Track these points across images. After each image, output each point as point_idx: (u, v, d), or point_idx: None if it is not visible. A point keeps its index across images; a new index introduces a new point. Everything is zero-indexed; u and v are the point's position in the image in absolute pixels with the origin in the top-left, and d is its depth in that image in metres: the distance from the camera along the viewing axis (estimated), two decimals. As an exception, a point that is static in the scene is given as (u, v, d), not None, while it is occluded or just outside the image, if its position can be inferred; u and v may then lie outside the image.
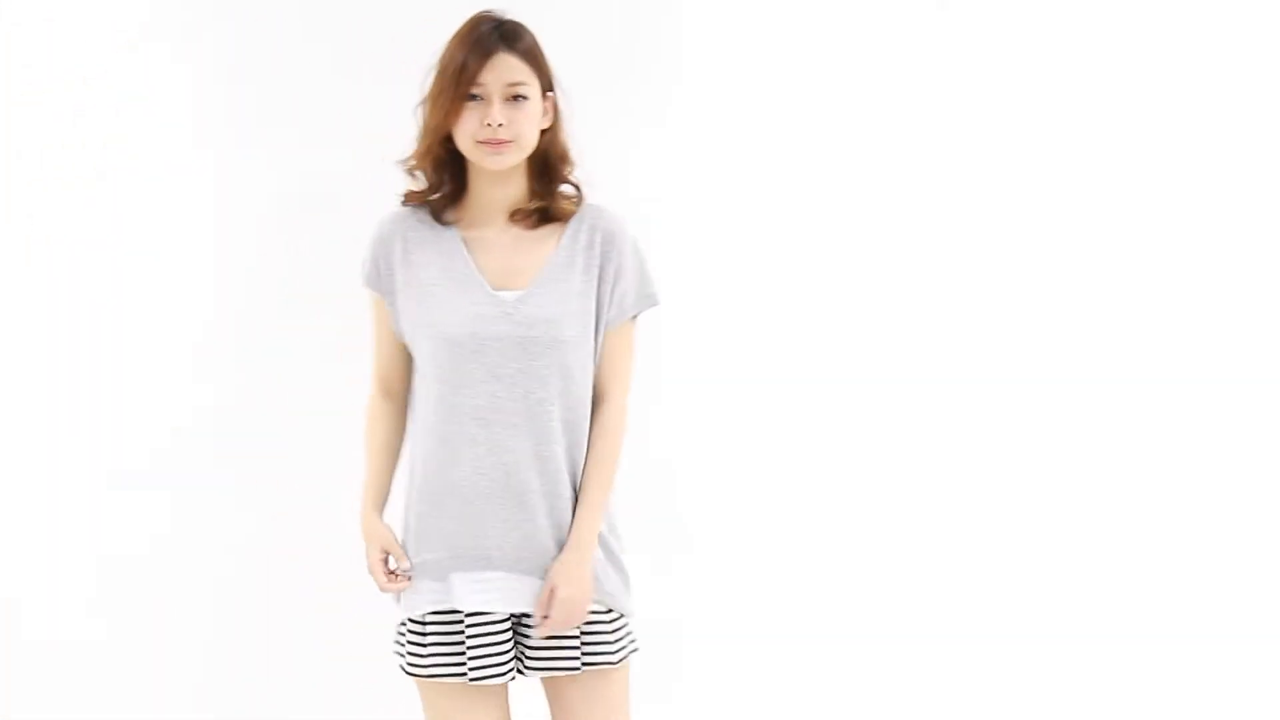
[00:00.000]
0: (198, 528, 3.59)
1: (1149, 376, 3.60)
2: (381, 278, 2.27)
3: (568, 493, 2.20)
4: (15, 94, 3.58)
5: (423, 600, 2.21)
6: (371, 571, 2.26)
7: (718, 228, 3.61)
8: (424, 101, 2.22)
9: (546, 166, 2.24)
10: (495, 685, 2.22)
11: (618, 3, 3.59)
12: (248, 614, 3.59)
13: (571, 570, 2.15)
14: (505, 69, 2.15)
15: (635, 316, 2.26)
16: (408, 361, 2.29)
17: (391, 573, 2.25)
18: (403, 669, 2.26)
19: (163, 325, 3.61)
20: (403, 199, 2.29)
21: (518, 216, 2.23)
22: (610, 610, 2.21)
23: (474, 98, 2.16)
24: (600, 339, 2.23)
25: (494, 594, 2.17)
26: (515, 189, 2.23)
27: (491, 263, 2.21)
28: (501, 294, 2.18)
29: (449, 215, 2.26)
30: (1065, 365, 3.62)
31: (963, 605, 3.59)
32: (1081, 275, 3.62)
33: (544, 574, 2.18)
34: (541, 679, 2.25)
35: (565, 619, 2.15)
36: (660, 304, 2.28)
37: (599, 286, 2.20)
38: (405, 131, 3.56)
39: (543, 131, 2.22)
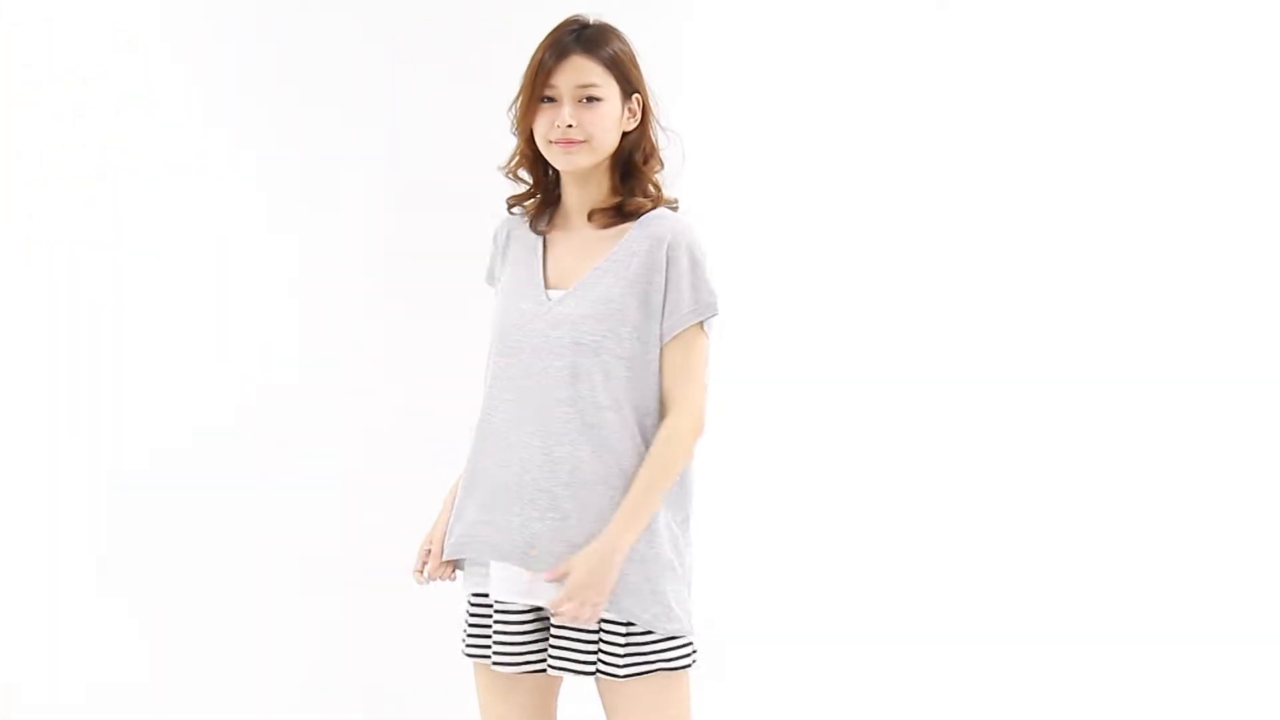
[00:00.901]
0: (196, 528, 3.60)
1: (1149, 376, 3.60)
2: (494, 278, 2.34)
3: (596, 499, 2.17)
4: (15, 94, 3.58)
5: (469, 581, 2.28)
6: (417, 553, 2.33)
7: (717, 229, 3.60)
8: (514, 104, 2.25)
9: (630, 168, 2.25)
10: (520, 675, 2.24)
11: (618, 5, 3.59)
12: (247, 614, 3.60)
13: (588, 560, 2.13)
14: (577, 71, 2.17)
15: (702, 324, 2.22)
16: None
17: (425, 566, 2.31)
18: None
19: (163, 326, 3.61)
20: (507, 204, 2.33)
21: (595, 216, 2.25)
22: (631, 624, 2.17)
23: (549, 100, 2.19)
24: (659, 348, 2.21)
25: (516, 584, 2.19)
26: (597, 190, 2.25)
27: (557, 262, 2.25)
28: (550, 293, 2.22)
29: (544, 218, 2.29)
30: (1066, 365, 3.62)
31: (985, 606, 3.59)
32: (1082, 275, 3.62)
33: (517, 564, 2.18)
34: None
35: (573, 609, 2.13)
36: (720, 313, 2.23)
37: (651, 294, 2.19)
38: (406, 130, 3.60)
39: (627, 133, 2.23)
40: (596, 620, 2.14)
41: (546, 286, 2.23)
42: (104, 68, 3.59)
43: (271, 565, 3.59)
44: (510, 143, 2.28)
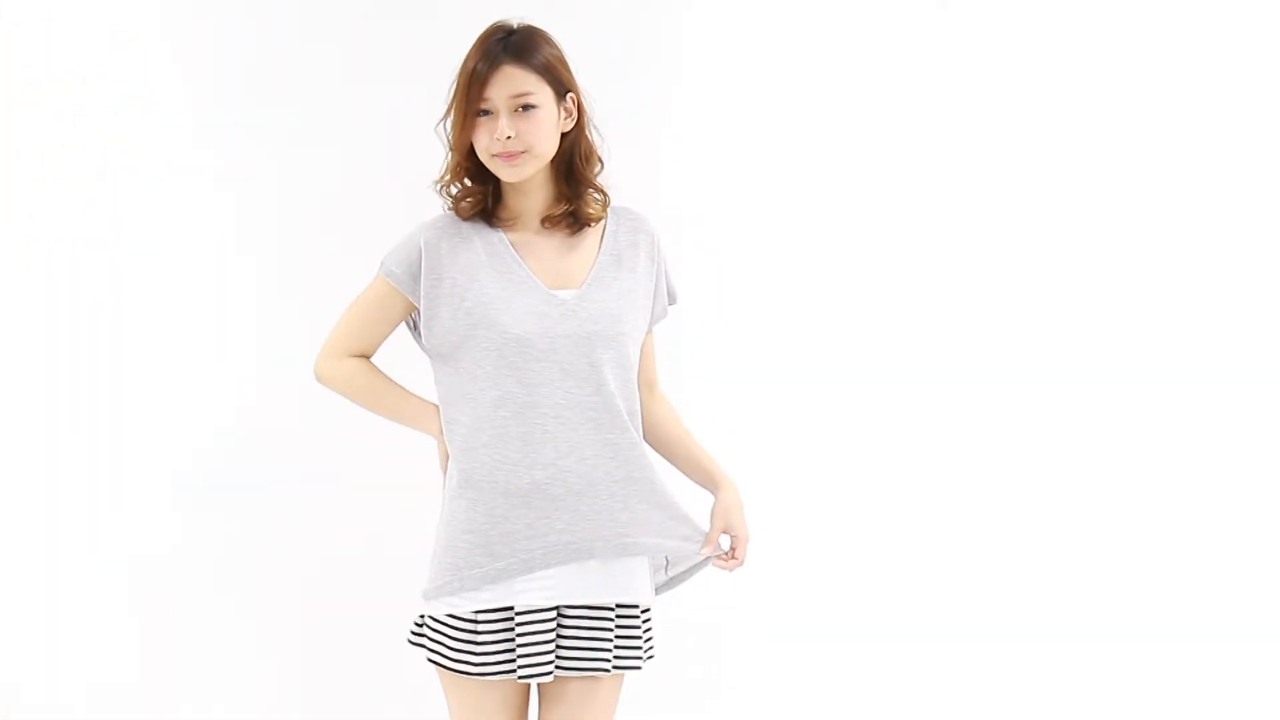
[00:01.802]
0: (197, 527, 3.59)
1: (1149, 376, 3.60)
2: (419, 281, 2.27)
3: (652, 476, 2.26)
4: (15, 94, 3.57)
5: (480, 598, 2.20)
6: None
7: (716, 229, 3.61)
8: (445, 118, 2.26)
9: (571, 169, 2.28)
10: (501, 683, 2.24)
11: (618, 4, 3.59)
12: (248, 614, 3.59)
13: (742, 510, 2.33)
14: (510, 82, 2.18)
15: None
16: (379, 346, 2.37)
17: None
18: (443, 665, 2.25)
19: (163, 326, 3.61)
20: (450, 207, 2.31)
21: (549, 223, 2.27)
22: (647, 610, 2.27)
23: (485, 113, 2.20)
24: (645, 335, 2.34)
25: (547, 591, 2.19)
26: (542, 194, 2.28)
27: (541, 266, 2.26)
28: (559, 294, 2.23)
29: (489, 221, 2.30)
30: (1066, 365, 3.62)
31: (985, 606, 3.59)
32: (1082, 275, 3.62)
33: (613, 554, 2.20)
34: (536, 681, 2.26)
35: (745, 556, 2.32)
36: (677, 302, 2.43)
37: (646, 285, 2.31)
38: (406, 130, 3.57)
39: (565, 134, 2.25)
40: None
41: (548, 288, 2.24)
42: (104, 68, 3.58)
43: (272, 565, 3.58)
44: None
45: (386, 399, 2.32)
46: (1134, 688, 3.56)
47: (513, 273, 2.24)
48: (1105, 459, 3.60)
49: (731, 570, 2.33)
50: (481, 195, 2.27)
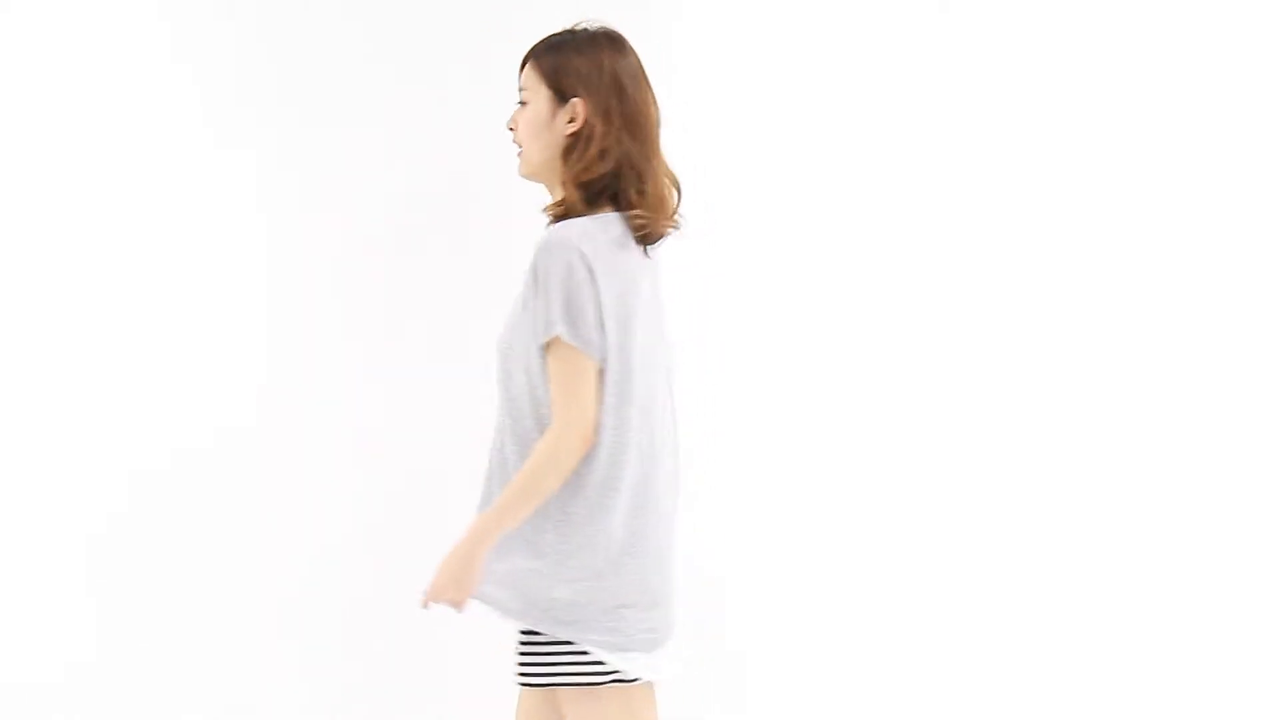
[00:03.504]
0: (191, 533, 3.60)
1: (1149, 376, 3.59)
2: None
3: (490, 503, 2.17)
4: (16, 94, 3.58)
5: None
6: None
7: (716, 230, 3.61)
8: None
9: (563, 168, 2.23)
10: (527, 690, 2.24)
11: (607, 5, 3.59)
12: (246, 616, 3.60)
13: (444, 560, 2.13)
14: (521, 76, 2.23)
15: (561, 342, 2.10)
16: None
17: None
18: None
19: (163, 326, 3.61)
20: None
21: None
22: (533, 632, 2.13)
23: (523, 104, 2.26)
24: (529, 358, 2.16)
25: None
26: (555, 196, 2.24)
27: None
28: None
29: None
30: (1065, 366, 3.61)
31: (987, 608, 3.59)
32: (1082, 276, 3.61)
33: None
34: None
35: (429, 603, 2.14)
36: (555, 335, 2.08)
37: (523, 306, 2.16)
38: (409, 132, 3.60)
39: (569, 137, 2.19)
40: (461, 609, 2.13)
41: None
42: (104, 67, 3.59)
43: (270, 566, 3.59)
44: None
45: None
46: (1133, 687, 3.55)
47: None
48: (1103, 459, 3.60)
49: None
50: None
